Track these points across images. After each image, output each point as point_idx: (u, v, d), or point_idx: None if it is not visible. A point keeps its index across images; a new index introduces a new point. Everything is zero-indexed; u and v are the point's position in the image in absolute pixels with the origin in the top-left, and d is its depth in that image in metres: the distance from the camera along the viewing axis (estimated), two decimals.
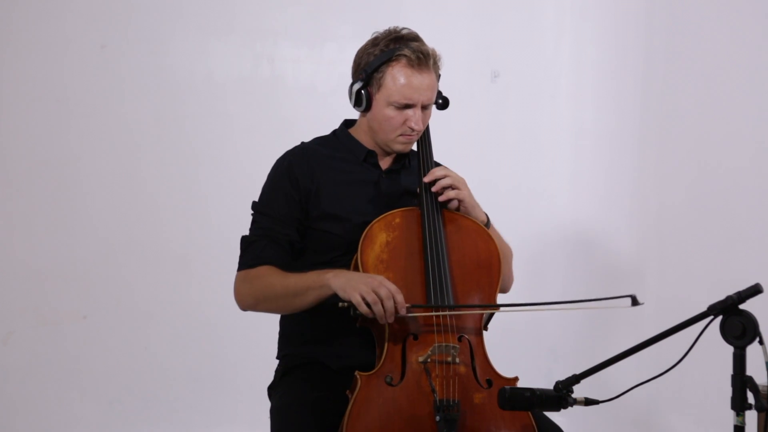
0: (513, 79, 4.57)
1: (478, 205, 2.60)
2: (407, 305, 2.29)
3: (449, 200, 2.53)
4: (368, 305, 2.26)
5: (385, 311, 2.26)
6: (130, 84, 4.04)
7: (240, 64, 4.19)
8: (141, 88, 4.05)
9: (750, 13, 3.84)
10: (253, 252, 2.52)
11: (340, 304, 2.29)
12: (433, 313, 2.35)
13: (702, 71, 4.02)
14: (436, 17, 4.38)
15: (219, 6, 4.16)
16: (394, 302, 2.26)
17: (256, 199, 2.61)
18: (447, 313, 2.35)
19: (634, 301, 2.31)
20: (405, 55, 2.49)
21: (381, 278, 2.29)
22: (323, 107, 4.04)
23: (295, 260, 2.54)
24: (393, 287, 2.27)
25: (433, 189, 2.51)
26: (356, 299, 2.25)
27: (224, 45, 4.17)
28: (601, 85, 4.53)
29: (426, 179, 2.53)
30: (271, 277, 2.46)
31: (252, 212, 2.60)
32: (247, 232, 2.58)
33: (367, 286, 2.26)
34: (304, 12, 4.24)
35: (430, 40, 2.59)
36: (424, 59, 2.51)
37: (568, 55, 4.63)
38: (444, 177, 2.53)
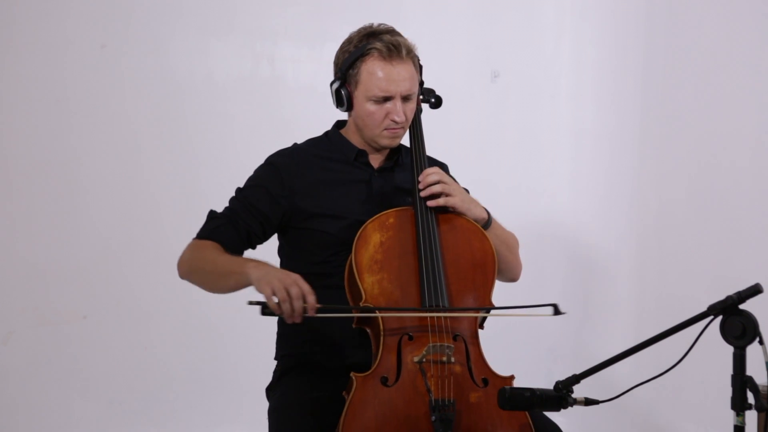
0: (513, 79, 4.57)
1: (475, 205, 2.57)
2: (318, 306, 2.26)
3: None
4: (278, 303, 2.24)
5: (293, 310, 2.24)
6: (130, 84, 4.04)
7: (240, 64, 4.19)
8: (141, 88, 4.05)
9: (750, 13, 3.84)
10: (210, 226, 2.55)
11: (249, 302, 2.28)
12: (344, 315, 2.36)
13: (701, 71, 4.02)
14: (436, 17, 4.38)
15: (219, 6, 4.16)
16: (305, 302, 2.24)
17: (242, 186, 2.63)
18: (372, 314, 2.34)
19: (556, 311, 2.32)
20: (376, 48, 2.51)
21: (297, 277, 2.27)
22: (323, 107, 4.01)
23: (248, 248, 2.55)
24: (306, 287, 2.26)
25: (422, 194, 2.49)
26: (267, 293, 2.25)
27: (224, 45, 4.17)
28: (601, 85, 4.53)
29: (420, 187, 2.51)
30: (210, 251, 2.48)
31: (233, 196, 2.62)
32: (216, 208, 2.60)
33: (280, 283, 2.25)
34: (304, 12, 4.24)
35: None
36: (395, 50, 2.50)
37: (568, 55, 4.63)
38: (435, 183, 2.50)
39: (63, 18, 3.95)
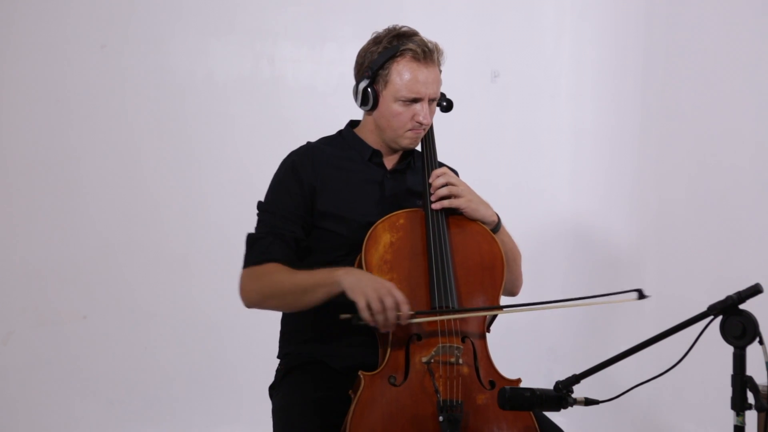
0: (513, 79, 4.57)
1: (485, 207, 2.58)
2: (411, 312, 2.27)
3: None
4: (372, 313, 2.25)
5: (387, 320, 2.25)
6: (130, 84, 4.04)
7: (240, 64, 4.19)
8: (141, 88, 4.05)
9: (749, 12, 3.84)
10: (260, 249, 2.50)
11: (342, 316, 2.28)
12: (437, 318, 2.34)
13: (701, 70, 4.02)
14: (436, 17, 4.38)
15: (219, 6, 4.16)
16: (398, 311, 2.25)
17: (262, 200, 2.61)
18: (451, 317, 2.34)
19: (641, 295, 2.29)
20: (410, 50, 2.51)
21: (390, 285, 2.27)
22: (323, 107, 4.05)
23: (300, 259, 2.53)
24: (401, 297, 2.26)
25: (431, 198, 2.50)
26: (361, 304, 2.24)
27: (224, 45, 4.17)
28: (601, 85, 4.53)
29: (431, 190, 2.51)
30: (279, 274, 2.45)
31: (258, 212, 2.59)
32: (251, 230, 2.57)
33: (375, 293, 2.25)
34: (304, 12, 4.25)
35: (444, 51, 2.60)
36: (429, 53, 2.52)
37: (568, 55, 4.63)
38: (443, 186, 2.51)
39: (63, 18, 3.95)
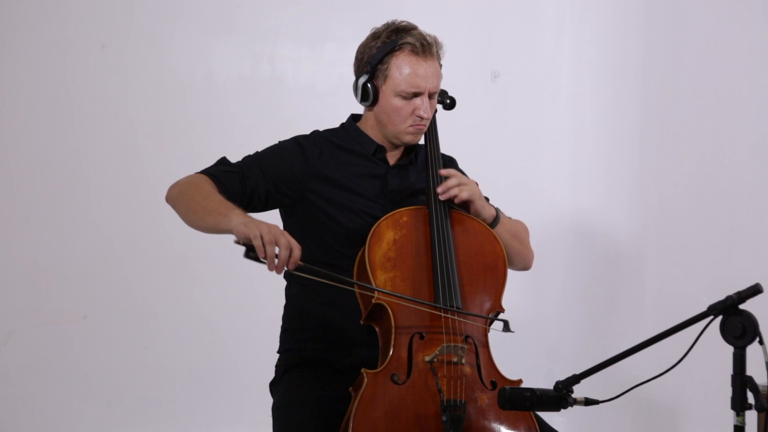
0: (513, 79, 4.57)
1: (484, 201, 2.59)
2: (301, 263, 2.21)
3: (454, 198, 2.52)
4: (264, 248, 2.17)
5: (277, 258, 2.18)
6: (130, 84, 4.04)
7: (240, 64, 4.19)
8: (141, 88, 4.05)
9: (749, 12, 3.84)
10: (218, 169, 2.51)
11: (235, 241, 2.21)
12: (322, 280, 2.28)
13: (701, 70, 4.02)
14: (436, 17, 4.37)
15: (219, 6, 4.16)
16: (291, 254, 2.18)
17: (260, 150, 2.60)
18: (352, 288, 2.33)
19: (506, 328, 2.36)
20: (409, 43, 2.51)
21: (283, 230, 2.21)
22: (323, 107, 4.05)
23: (245, 208, 2.46)
24: (294, 242, 2.19)
25: (441, 198, 2.50)
26: (254, 233, 2.16)
27: (224, 45, 4.17)
28: (601, 85, 4.53)
29: (439, 190, 2.51)
30: (207, 185, 2.42)
31: (250, 153, 2.59)
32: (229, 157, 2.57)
33: (268, 229, 2.18)
34: (304, 12, 4.25)
35: (443, 45, 2.60)
36: (428, 46, 2.52)
37: (568, 55, 4.63)
38: (454, 186, 2.51)
39: (63, 18, 3.95)
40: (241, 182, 2.50)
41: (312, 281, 2.33)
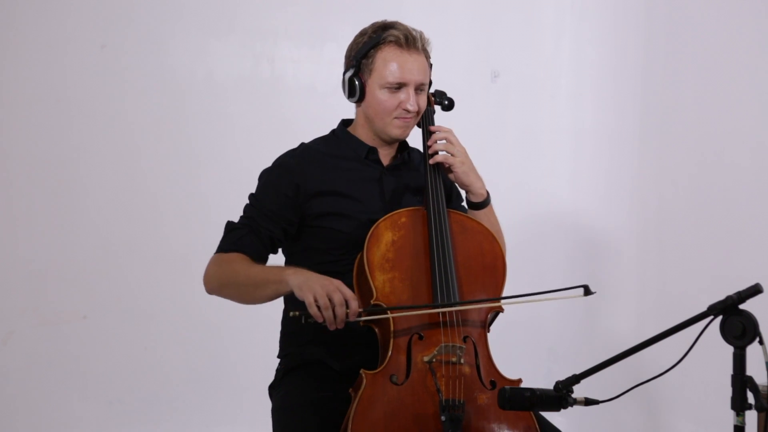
0: (513, 79, 4.57)
1: (477, 177, 2.63)
2: (360, 310, 2.28)
3: (440, 164, 2.56)
4: (320, 309, 2.25)
5: (335, 317, 2.25)
6: (130, 84, 4.04)
7: (240, 64, 4.19)
8: (141, 88, 4.05)
9: (749, 12, 3.84)
10: (232, 238, 2.54)
11: (291, 313, 2.29)
12: (388, 316, 2.32)
13: (701, 70, 4.02)
14: (436, 17, 4.38)
15: (219, 6, 4.16)
16: (347, 309, 2.25)
17: (254, 191, 2.62)
18: (403, 314, 2.34)
19: (587, 291, 2.31)
20: (393, 36, 2.52)
21: (339, 283, 2.28)
22: (323, 107, 4.04)
23: (272, 253, 2.55)
24: (349, 293, 2.27)
25: (429, 151, 2.55)
26: (309, 300, 2.24)
27: (224, 45, 4.17)
28: (601, 85, 4.53)
29: (429, 143, 2.56)
30: (239, 263, 2.47)
31: (247, 202, 2.61)
32: (233, 219, 2.60)
33: (322, 289, 2.25)
34: (304, 12, 4.25)
35: (430, 40, 2.60)
36: (413, 40, 2.54)
37: (568, 55, 4.63)
38: (441, 139, 2.57)
39: (63, 18, 3.95)
40: (257, 236, 2.53)
41: None
